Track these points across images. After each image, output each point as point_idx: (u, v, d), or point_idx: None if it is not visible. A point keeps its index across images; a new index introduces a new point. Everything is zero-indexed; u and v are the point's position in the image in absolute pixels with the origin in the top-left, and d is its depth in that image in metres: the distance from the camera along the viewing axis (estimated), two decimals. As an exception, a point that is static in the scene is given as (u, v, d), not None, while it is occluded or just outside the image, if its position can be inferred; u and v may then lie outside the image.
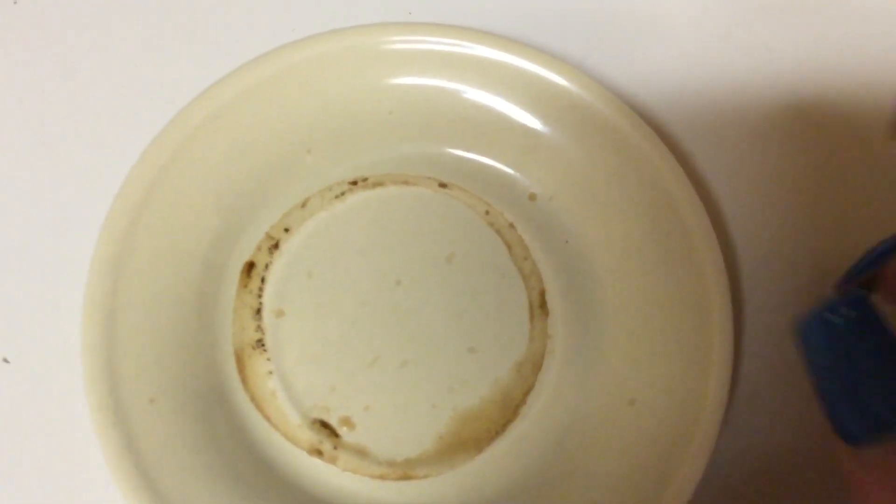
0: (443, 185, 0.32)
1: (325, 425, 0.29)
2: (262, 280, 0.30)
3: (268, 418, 0.29)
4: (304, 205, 0.31)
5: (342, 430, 0.29)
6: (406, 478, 0.29)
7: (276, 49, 0.30)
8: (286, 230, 0.31)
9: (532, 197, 0.32)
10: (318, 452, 0.29)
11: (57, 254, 0.31)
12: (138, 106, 0.32)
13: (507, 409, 0.30)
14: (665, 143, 0.30)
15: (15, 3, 0.34)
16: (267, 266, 0.30)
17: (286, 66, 0.30)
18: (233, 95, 0.29)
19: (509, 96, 0.31)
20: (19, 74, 0.33)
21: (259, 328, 0.30)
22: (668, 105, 0.33)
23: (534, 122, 0.31)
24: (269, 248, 0.31)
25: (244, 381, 0.29)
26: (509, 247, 0.31)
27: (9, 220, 0.31)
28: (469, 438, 0.29)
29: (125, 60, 0.33)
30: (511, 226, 0.31)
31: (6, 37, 0.33)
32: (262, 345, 0.30)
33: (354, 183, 0.31)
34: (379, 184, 0.32)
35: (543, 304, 0.31)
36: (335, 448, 0.29)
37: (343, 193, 0.31)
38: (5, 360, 0.30)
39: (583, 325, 0.30)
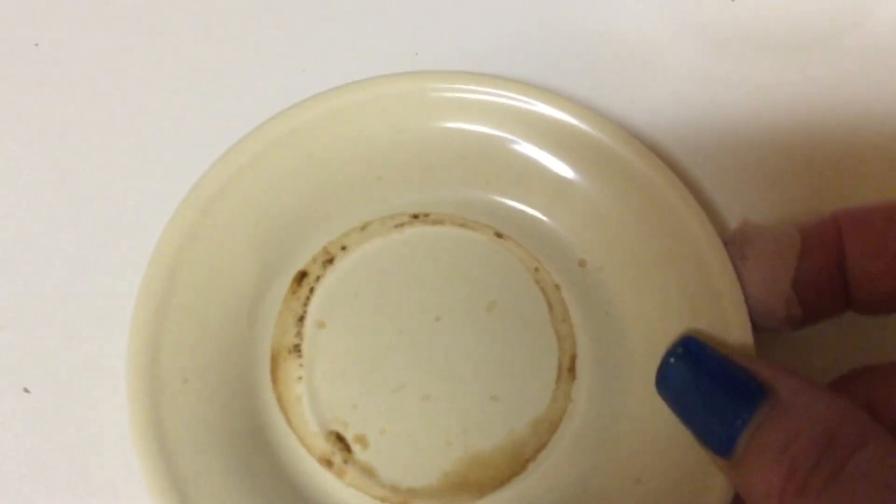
0: (499, 235, 0.33)
1: (340, 438, 0.30)
2: (311, 290, 0.32)
3: (288, 420, 0.30)
4: (363, 228, 0.33)
5: (355, 447, 0.30)
6: (405, 505, 0.30)
7: (359, 81, 0.32)
8: (343, 248, 0.32)
9: (582, 263, 0.33)
10: (329, 463, 0.30)
11: (80, 286, 0.32)
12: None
13: (515, 462, 0.30)
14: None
15: (36, 45, 0.36)
16: (318, 278, 0.32)
17: (367, 97, 0.32)
18: (314, 115, 0.31)
19: (573, 161, 0.32)
20: (41, 119, 0.35)
21: (299, 334, 0.31)
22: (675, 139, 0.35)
23: (595, 192, 0.32)
24: (324, 262, 0.32)
25: (274, 381, 0.31)
26: (551, 307, 0.32)
27: (39, 251, 0.33)
28: (473, 482, 0.30)
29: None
30: (556, 287, 0.32)
31: (28, 79, 0.35)
32: (299, 350, 0.31)
33: (416, 217, 0.33)
34: (439, 222, 0.33)
35: (572, 368, 0.31)
36: (345, 462, 0.30)
37: (402, 224, 0.33)
38: (26, 391, 0.31)
39: (606, 396, 0.31)
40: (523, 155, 0.33)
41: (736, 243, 0.30)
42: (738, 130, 0.35)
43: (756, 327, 0.29)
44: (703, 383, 0.26)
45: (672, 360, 0.28)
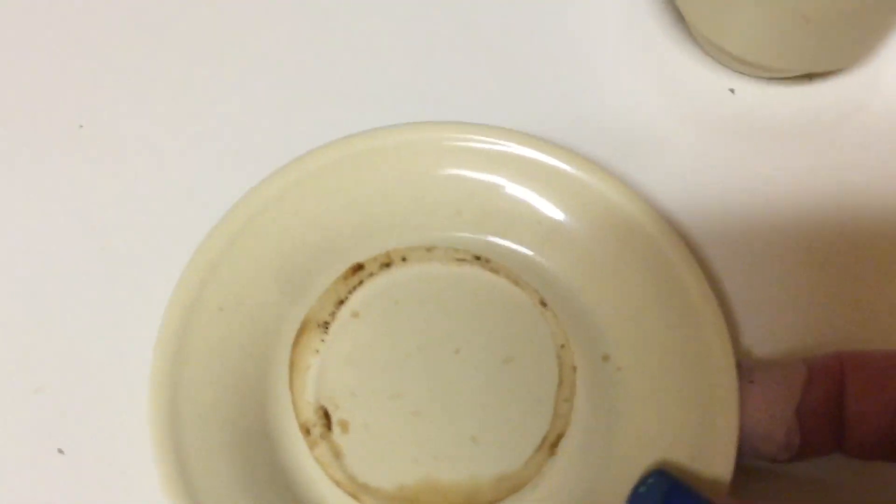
0: (543, 304, 0.35)
1: (326, 415, 0.33)
2: (360, 282, 0.35)
3: (291, 382, 0.33)
4: (429, 249, 0.35)
5: (336, 429, 0.33)
6: (354, 497, 0.32)
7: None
8: (404, 259, 0.35)
9: (605, 358, 0.34)
10: (307, 432, 0.32)
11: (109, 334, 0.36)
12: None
13: (474, 502, 0.32)
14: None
15: (81, 126, 0.39)
16: (371, 275, 0.35)
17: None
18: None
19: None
20: (85, 197, 0.38)
21: (333, 314, 0.34)
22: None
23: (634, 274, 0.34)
24: (381, 264, 0.35)
25: (295, 344, 0.34)
26: (560, 383, 0.33)
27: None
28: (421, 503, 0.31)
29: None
30: (574, 369, 0.34)
31: (72, 161, 0.39)
32: (326, 328, 0.34)
33: (478, 258, 0.35)
34: (495, 271, 0.35)
35: (555, 445, 0.32)
36: (321, 437, 0.32)
37: (464, 260, 0.35)
38: (60, 451, 0.34)
39: (578, 482, 0.32)
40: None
41: (744, 367, 0.31)
42: (746, 215, 0.37)
43: (747, 456, 0.30)
44: None
45: (642, 489, 0.29)
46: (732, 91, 0.40)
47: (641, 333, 0.33)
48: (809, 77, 0.39)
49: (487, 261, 0.35)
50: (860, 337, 0.35)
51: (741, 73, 0.39)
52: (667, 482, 0.29)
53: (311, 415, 0.33)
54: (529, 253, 0.35)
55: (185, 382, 0.31)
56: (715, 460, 0.30)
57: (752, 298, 0.36)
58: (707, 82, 0.40)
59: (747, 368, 0.31)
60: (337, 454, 0.32)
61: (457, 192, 0.35)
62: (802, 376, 0.29)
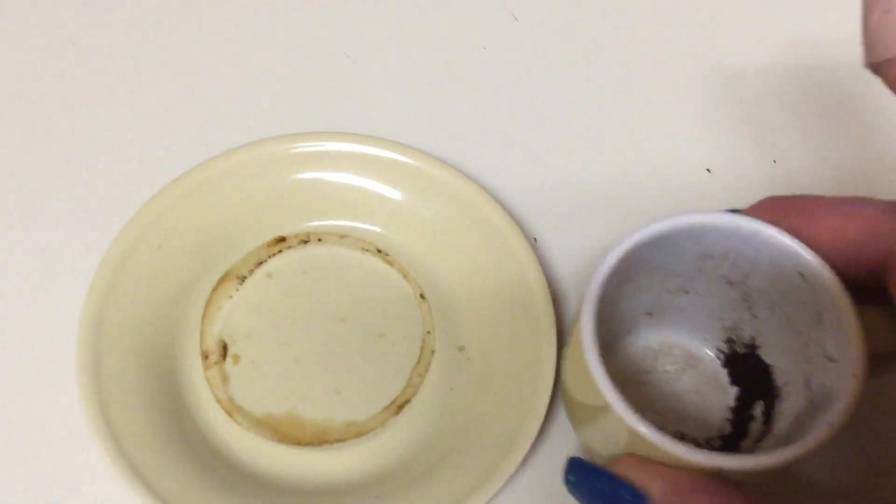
0: (422, 297, 0.42)
1: (224, 347, 0.40)
2: (280, 252, 0.42)
3: (203, 317, 0.40)
4: (342, 236, 0.43)
5: (228, 359, 0.40)
6: (229, 414, 0.38)
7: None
8: (319, 240, 0.43)
9: (461, 348, 0.41)
10: (205, 356, 0.40)
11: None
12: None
13: (317, 439, 0.38)
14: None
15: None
16: (290, 247, 0.42)
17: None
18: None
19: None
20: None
21: (251, 272, 0.42)
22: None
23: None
24: (301, 240, 0.43)
25: (215, 289, 0.41)
26: (418, 361, 0.40)
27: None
28: (281, 431, 0.38)
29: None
30: (432, 352, 0.41)
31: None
32: (243, 281, 0.41)
33: (380, 251, 0.43)
34: (390, 263, 0.42)
35: (402, 407, 0.39)
36: (214, 363, 0.40)
37: (368, 250, 0.43)
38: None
39: (413, 438, 0.38)
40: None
41: None
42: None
43: None
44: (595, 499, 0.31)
45: (570, 479, 0.32)
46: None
47: (491, 330, 0.40)
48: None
49: (386, 254, 0.43)
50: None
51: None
52: (579, 465, 0.32)
53: (212, 344, 0.40)
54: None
55: (115, 298, 0.39)
56: (527, 425, 0.37)
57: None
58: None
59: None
60: (224, 379, 0.39)
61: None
62: None
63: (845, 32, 0.34)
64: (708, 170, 0.48)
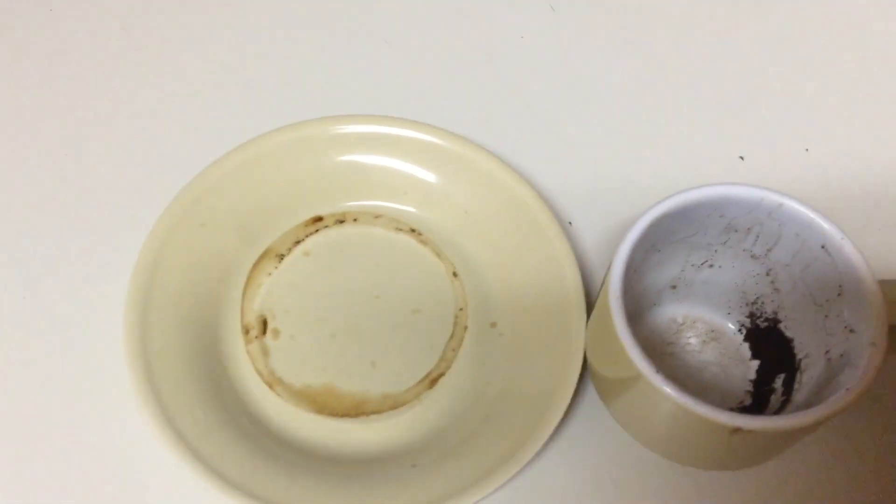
0: (455, 275, 0.43)
1: (264, 322, 0.42)
2: (317, 231, 0.44)
3: (244, 294, 0.42)
4: (376, 216, 0.44)
5: (269, 334, 0.41)
6: (269, 386, 0.40)
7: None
8: (355, 220, 0.44)
9: (493, 324, 0.42)
10: (246, 331, 0.41)
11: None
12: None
13: (355, 410, 0.40)
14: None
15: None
16: (327, 227, 0.44)
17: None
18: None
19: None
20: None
21: (290, 250, 0.43)
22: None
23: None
24: (337, 220, 0.44)
25: (254, 266, 0.43)
26: (451, 336, 0.42)
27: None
28: (319, 402, 0.40)
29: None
30: (465, 328, 0.42)
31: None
32: (281, 259, 0.43)
33: (413, 230, 0.44)
34: (423, 243, 0.44)
35: (435, 381, 0.41)
36: (255, 337, 0.41)
37: (402, 230, 0.44)
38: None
39: (447, 416, 0.40)
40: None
41: None
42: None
43: None
44: None
45: None
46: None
47: (522, 307, 0.42)
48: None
49: (420, 234, 0.44)
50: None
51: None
52: None
53: (252, 320, 0.42)
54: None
55: (159, 275, 0.40)
56: (559, 396, 0.38)
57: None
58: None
59: None
60: (265, 352, 0.41)
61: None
62: None
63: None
64: (741, 157, 0.49)
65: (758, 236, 0.36)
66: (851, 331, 0.33)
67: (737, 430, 0.31)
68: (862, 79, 0.52)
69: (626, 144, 0.49)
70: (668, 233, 0.36)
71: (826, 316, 0.35)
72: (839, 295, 0.34)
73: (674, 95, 0.51)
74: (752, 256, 0.37)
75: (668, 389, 0.31)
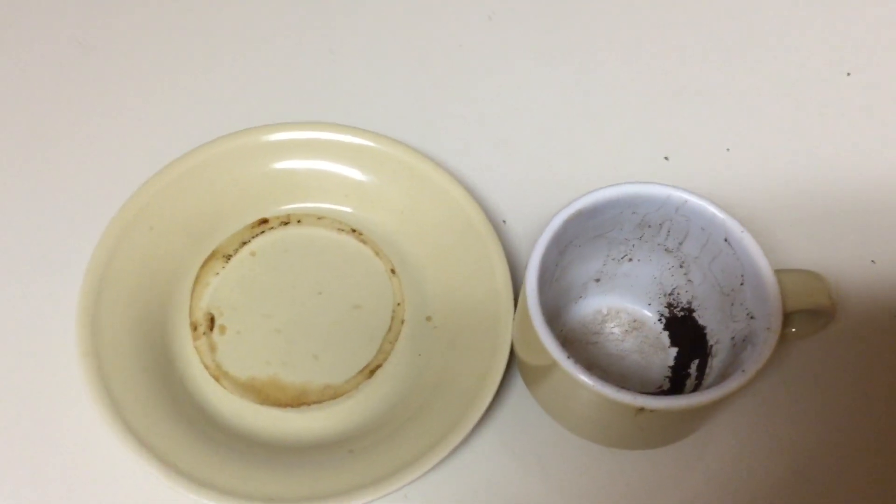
0: (393, 272, 0.45)
1: (211, 319, 0.44)
2: (263, 232, 0.46)
3: (192, 292, 0.44)
4: (319, 218, 0.47)
5: (216, 330, 0.44)
6: (216, 379, 0.42)
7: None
8: (299, 221, 0.46)
9: (428, 318, 0.44)
10: (194, 327, 0.43)
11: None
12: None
13: (296, 400, 0.42)
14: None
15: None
16: (272, 228, 0.46)
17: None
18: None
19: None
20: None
21: (236, 251, 0.46)
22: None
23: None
24: (282, 222, 0.46)
25: (203, 266, 0.45)
26: (389, 330, 0.44)
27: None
28: (263, 393, 0.42)
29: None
30: (402, 321, 0.44)
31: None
32: (228, 259, 0.45)
33: (354, 230, 0.46)
34: (363, 242, 0.46)
35: (374, 372, 0.43)
36: (203, 333, 0.43)
37: (343, 230, 0.46)
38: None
39: (384, 402, 0.42)
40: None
41: None
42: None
43: None
44: None
45: None
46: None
47: (456, 302, 0.44)
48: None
49: (360, 233, 0.46)
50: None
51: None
52: None
53: (200, 317, 0.44)
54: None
55: (111, 275, 0.43)
56: (487, 383, 0.40)
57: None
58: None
59: None
60: (212, 348, 0.43)
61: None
62: None
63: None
64: (666, 157, 0.51)
65: (669, 231, 0.39)
66: (752, 317, 0.36)
67: (641, 410, 0.33)
68: (781, 81, 0.55)
69: (558, 146, 0.52)
70: (586, 229, 0.38)
71: (732, 304, 0.38)
72: (742, 284, 0.37)
73: (603, 100, 0.54)
74: (666, 250, 0.40)
75: (579, 374, 0.33)
